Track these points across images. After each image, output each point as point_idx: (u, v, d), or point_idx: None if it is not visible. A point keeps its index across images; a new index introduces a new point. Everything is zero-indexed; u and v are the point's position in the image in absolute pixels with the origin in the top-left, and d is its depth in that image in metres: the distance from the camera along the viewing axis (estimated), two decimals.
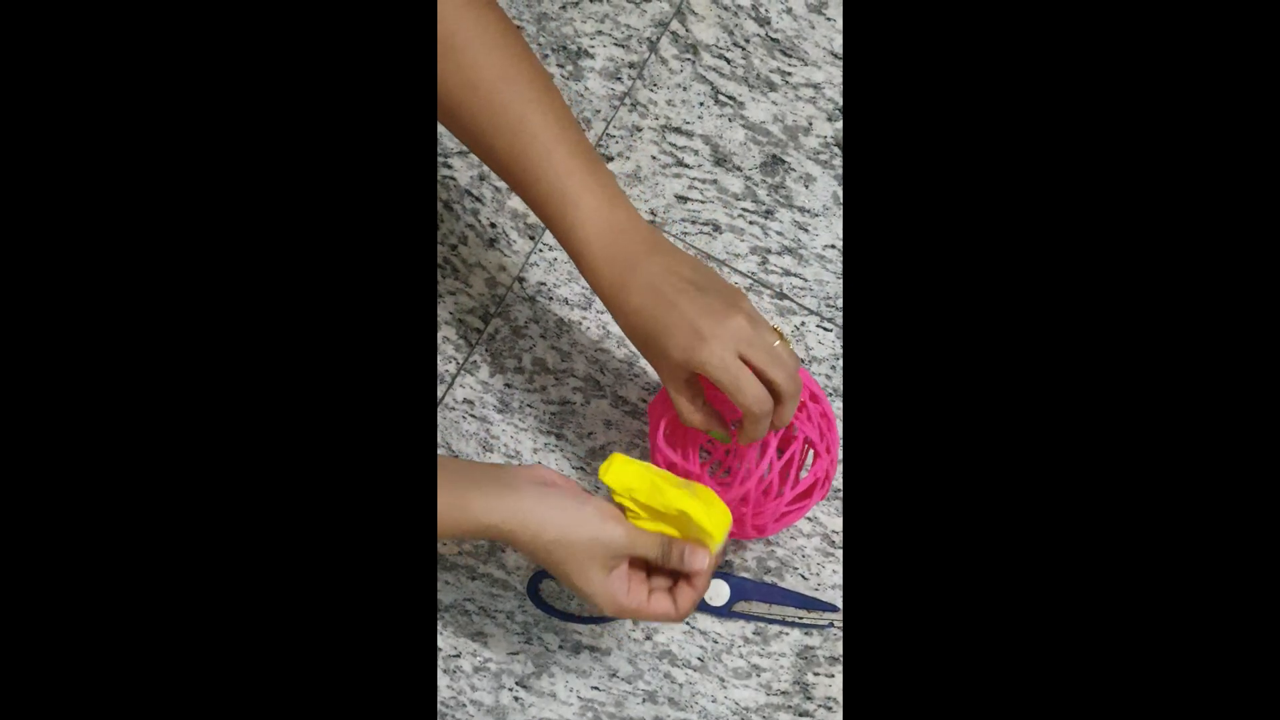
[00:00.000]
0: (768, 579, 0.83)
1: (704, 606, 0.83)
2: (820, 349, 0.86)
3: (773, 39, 0.89)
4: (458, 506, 0.68)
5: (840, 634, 0.82)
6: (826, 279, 0.86)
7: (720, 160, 0.88)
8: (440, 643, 0.83)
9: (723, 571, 0.83)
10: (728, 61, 0.89)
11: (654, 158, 0.88)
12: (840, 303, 0.86)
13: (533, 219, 0.87)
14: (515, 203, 0.87)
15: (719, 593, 0.82)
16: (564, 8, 0.90)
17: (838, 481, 0.84)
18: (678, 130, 0.88)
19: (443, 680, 0.83)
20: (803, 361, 0.85)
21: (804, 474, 0.78)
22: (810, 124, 0.88)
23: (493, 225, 0.87)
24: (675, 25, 0.89)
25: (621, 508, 0.70)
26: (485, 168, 0.87)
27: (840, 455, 0.79)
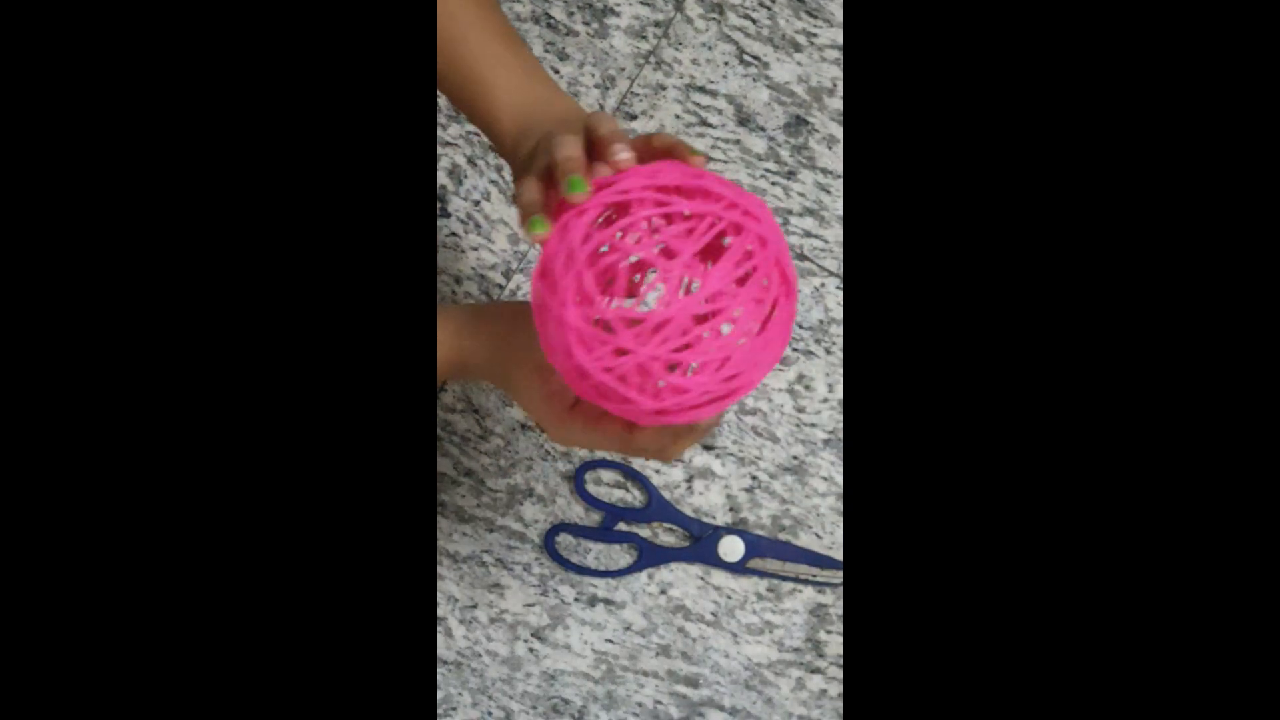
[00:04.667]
0: (782, 537, 0.84)
1: (718, 562, 0.83)
2: (840, 310, 0.86)
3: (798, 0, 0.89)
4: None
5: None
6: None
7: (744, 120, 0.88)
8: (457, 593, 0.84)
9: (737, 528, 0.84)
10: (753, 21, 0.89)
11: (678, 117, 0.88)
12: None
13: None
14: None
15: (733, 549, 0.83)
16: None
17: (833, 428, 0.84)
18: (702, 90, 0.88)
19: (459, 631, 0.84)
20: (821, 323, 0.86)
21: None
22: (834, 85, 0.88)
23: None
24: None
25: None
26: None
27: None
